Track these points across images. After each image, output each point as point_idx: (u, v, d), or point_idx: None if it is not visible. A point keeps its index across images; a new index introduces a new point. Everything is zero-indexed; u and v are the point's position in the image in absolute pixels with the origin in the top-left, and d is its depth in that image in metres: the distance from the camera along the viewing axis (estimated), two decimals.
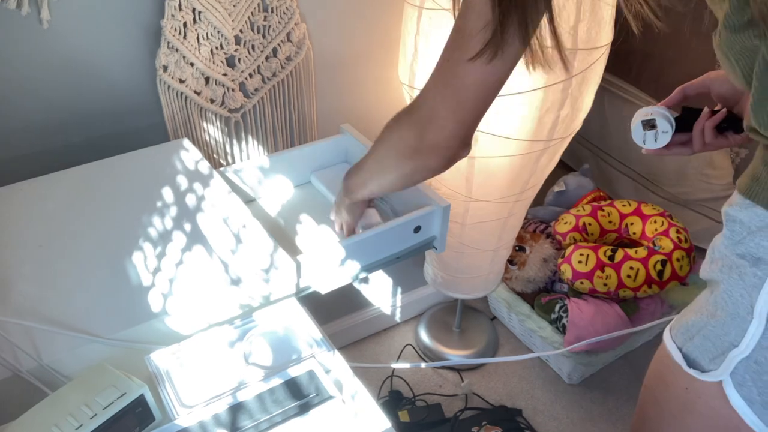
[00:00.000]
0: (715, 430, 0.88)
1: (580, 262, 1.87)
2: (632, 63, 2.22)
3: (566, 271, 1.90)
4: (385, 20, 1.51)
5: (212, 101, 1.34)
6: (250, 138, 1.45)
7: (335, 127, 1.42)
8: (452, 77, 0.82)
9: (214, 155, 1.42)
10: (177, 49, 1.24)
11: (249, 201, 1.28)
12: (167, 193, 1.13)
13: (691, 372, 0.86)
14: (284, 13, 1.33)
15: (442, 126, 0.85)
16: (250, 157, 1.47)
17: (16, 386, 0.83)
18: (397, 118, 0.94)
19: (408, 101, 1.52)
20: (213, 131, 1.38)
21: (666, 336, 0.93)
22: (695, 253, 1.91)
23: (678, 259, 1.85)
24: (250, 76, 1.36)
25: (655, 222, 1.96)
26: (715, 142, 0.98)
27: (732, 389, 0.82)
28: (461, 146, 0.88)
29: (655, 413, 0.99)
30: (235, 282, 0.97)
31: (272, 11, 1.31)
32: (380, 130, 0.97)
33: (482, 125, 1.40)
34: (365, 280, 2.01)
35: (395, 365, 2.03)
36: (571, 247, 1.92)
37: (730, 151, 2.10)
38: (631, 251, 1.87)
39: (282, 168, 1.30)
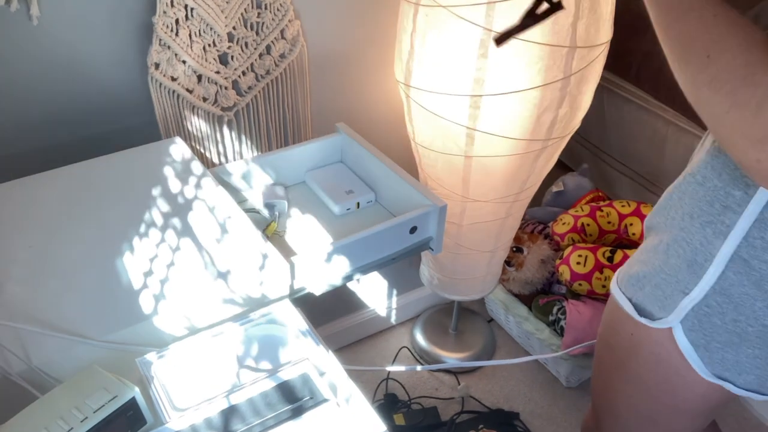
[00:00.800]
0: (660, 373, 0.93)
1: (578, 263, 1.88)
2: (632, 61, 2.22)
3: (564, 273, 1.90)
4: (381, 17, 1.51)
5: (205, 99, 1.34)
6: (243, 137, 1.45)
7: (330, 126, 1.42)
8: None
9: (207, 154, 1.42)
10: (169, 47, 1.24)
11: (242, 201, 1.28)
12: (159, 193, 1.13)
13: (642, 320, 0.90)
14: (278, 9, 1.33)
15: None
16: (243, 157, 1.48)
17: (5, 389, 0.83)
18: (723, 32, 0.62)
19: (404, 100, 1.52)
20: (205, 130, 1.38)
21: (614, 287, 0.97)
22: None
23: None
24: (244, 73, 1.37)
25: None
26: None
27: (681, 334, 0.86)
28: None
29: (607, 358, 1.05)
30: (228, 283, 0.97)
31: (266, 8, 1.32)
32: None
33: (479, 124, 1.41)
34: (352, 279, 2.01)
35: (391, 368, 2.04)
36: (570, 248, 1.93)
37: None
38: (630, 252, 1.88)
39: (276, 167, 1.31)
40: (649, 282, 0.89)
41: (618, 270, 1.00)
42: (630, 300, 0.93)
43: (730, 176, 0.77)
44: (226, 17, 1.28)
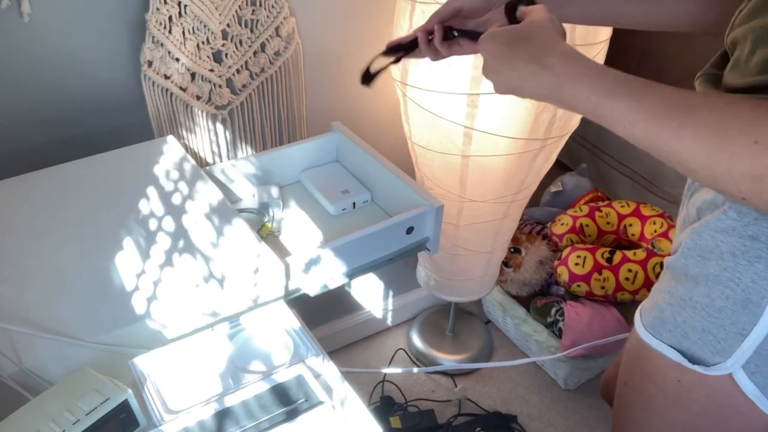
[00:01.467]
0: (713, 416, 0.89)
1: (577, 264, 1.89)
2: (631, 59, 2.23)
3: (563, 274, 1.91)
4: (377, 14, 1.51)
5: (198, 98, 1.35)
6: (237, 136, 1.45)
7: (326, 125, 1.42)
8: None
9: (200, 153, 1.42)
10: (162, 44, 1.24)
11: (236, 201, 1.29)
12: (152, 193, 1.14)
13: (696, 368, 0.86)
14: (273, 6, 1.34)
15: None
16: (238, 156, 1.48)
17: None
18: (754, 116, 0.62)
19: (401, 99, 1.53)
20: (199, 129, 1.38)
21: (646, 335, 0.92)
22: None
23: None
24: (238, 71, 1.37)
25: (654, 223, 1.97)
26: (451, 51, 0.99)
27: (744, 378, 0.82)
28: None
29: (640, 407, 1.00)
30: (222, 284, 0.97)
31: (260, 5, 1.32)
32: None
33: (477, 124, 1.41)
34: (348, 280, 2.01)
35: (387, 370, 2.04)
36: (568, 249, 1.93)
37: None
38: (629, 253, 1.88)
39: (271, 167, 1.31)
40: (693, 328, 0.85)
41: (642, 315, 0.94)
42: (673, 347, 0.88)
43: None
44: (220, 14, 1.28)
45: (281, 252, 1.17)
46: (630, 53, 2.23)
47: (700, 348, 0.85)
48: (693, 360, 0.86)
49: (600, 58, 1.38)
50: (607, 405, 1.19)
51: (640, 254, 1.87)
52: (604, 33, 1.35)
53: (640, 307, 0.97)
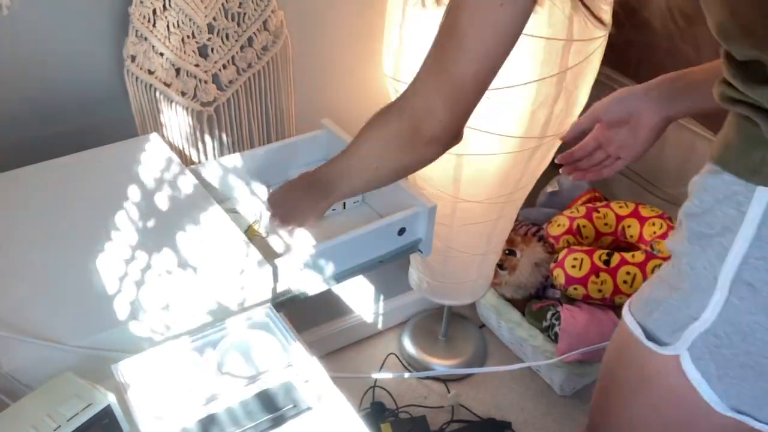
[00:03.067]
0: (671, 405, 0.93)
1: (573, 266, 1.90)
2: (631, 55, 2.24)
3: (559, 277, 1.92)
4: (368, 8, 1.52)
5: (183, 94, 1.35)
6: (223, 133, 1.46)
7: (315, 122, 1.43)
8: (447, 71, 0.88)
9: (186, 152, 1.42)
10: (146, 38, 1.24)
11: (222, 201, 1.29)
12: (135, 192, 1.14)
13: (650, 345, 0.91)
14: None
15: (437, 120, 0.91)
16: (224, 154, 1.48)
17: None
18: (384, 113, 0.99)
19: (393, 95, 1.53)
20: (184, 126, 1.39)
21: (625, 311, 0.97)
22: None
23: None
24: (224, 67, 1.37)
25: (653, 224, 1.98)
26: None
27: (689, 363, 0.86)
28: (456, 136, 0.95)
29: (614, 389, 1.04)
30: (208, 287, 0.98)
31: None
32: (363, 126, 1.00)
33: (471, 121, 1.41)
34: (338, 282, 2.02)
35: (377, 375, 2.05)
36: (565, 251, 1.94)
37: None
38: (627, 255, 1.89)
39: (258, 165, 1.31)
40: (658, 306, 0.89)
41: (634, 294, 0.99)
42: (639, 324, 0.93)
43: (724, 194, 0.79)
44: (205, 7, 1.28)
45: (269, 253, 1.17)
46: (629, 49, 2.24)
47: (660, 327, 0.90)
48: (650, 337, 0.91)
49: (598, 53, 1.39)
50: None
51: (639, 256, 1.88)
52: (602, 29, 1.35)
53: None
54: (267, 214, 1.23)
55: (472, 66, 0.87)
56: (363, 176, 1.05)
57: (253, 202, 1.26)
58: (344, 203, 1.28)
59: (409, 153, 0.98)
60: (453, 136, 0.95)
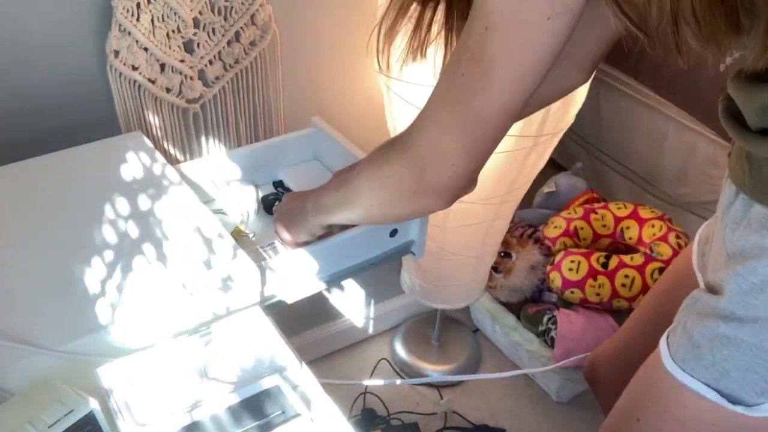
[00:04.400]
0: None
1: (570, 269, 1.90)
2: (630, 52, 2.25)
3: (555, 280, 1.93)
4: (359, 2, 1.52)
5: (168, 90, 1.35)
6: (210, 131, 1.46)
7: (305, 120, 1.43)
8: (466, 105, 0.77)
9: (170, 150, 1.43)
10: (129, 32, 1.25)
11: (208, 201, 1.29)
12: (118, 193, 1.14)
13: (737, 409, 0.85)
14: None
15: (448, 165, 0.80)
16: (210, 153, 1.49)
17: None
18: (387, 150, 0.88)
19: (385, 92, 1.54)
20: (169, 124, 1.39)
21: (674, 369, 0.90)
22: None
23: None
24: (211, 62, 1.38)
25: (653, 226, 1.99)
26: None
27: None
28: (470, 183, 0.85)
29: None
30: (194, 290, 0.98)
31: None
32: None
33: None
34: (327, 286, 2.02)
35: (368, 381, 2.05)
36: (561, 254, 1.95)
37: None
38: (626, 258, 1.90)
39: (246, 165, 1.32)
40: (735, 366, 0.84)
41: (671, 346, 0.92)
42: (709, 386, 0.86)
43: None
44: (191, 1, 1.29)
45: (256, 256, 1.17)
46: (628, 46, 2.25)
47: (742, 387, 0.84)
48: (732, 400, 0.85)
49: None
50: (602, 419, 1.19)
51: (638, 259, 1.89)
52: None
53: (666, 333, 0.94)
54: (254, 215, 1.23)
55: (501, 97, 0.75)
56: (358, 212, 0.99)
57: (240, 202, 1.26)
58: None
59: (410, 202, 0.88)
60: (466, 184, 0.84)
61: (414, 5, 0.91)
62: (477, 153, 0.80)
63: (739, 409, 0.85)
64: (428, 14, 0.91)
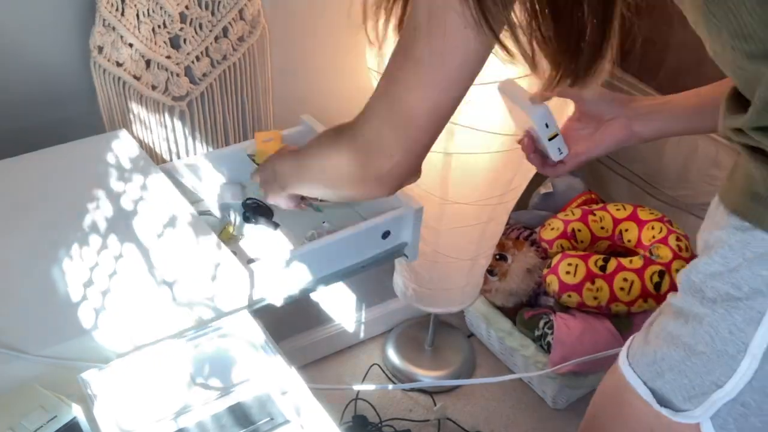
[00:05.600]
0: None
1: (567, 272, 1.91)
2: (632, 50, 2.25)
3: (552, 283, 1.93)
4: None
5: (154, 87, 1.35)
6: (197, 130, 1.46)
7: (294, 118, 1.44)
8: (400, 101, 0.82)
9: (156, 149, 1.43)
10: (114, 28, 1.25)
11: (195, 202, 1.30)
12: (102, 193, 1.14)
13: (663, 411, 0.87)
14: None
15: (389, 156, 0.85)
16: (197, 152, 1.49)
17: None
18: (338, 134, 0.93)
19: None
20: (155, 122, 1.39)
21: (624, 366, 0.93)
22: None
23: (678, 270, 1.88)
24: (198, 59, 1.38)
25: (652, 228, 2.00)
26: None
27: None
28: (412, 174, 0.89)
29: None
30: (180, 293, 0.99)
31: None
32: (324, 132, 1.00)
33: (461, 118, 1.43)
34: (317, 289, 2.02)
35: (360, 387, 2.05)
36: (558, 256, 1.96)
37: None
38: (625, 261, 1.91)
39: (233, 164, 1.32)
40: (670, 367, 0.86)
41: (630, 342, 0.94)
42: (646, 384, 0.89)
43: (754, 253, 0.76)
44: None
45: (244, 258, 1.18)
46: (631, 43, 2.25)
47: (672, 390, 0.86)
48: (662, 401, 0.87)
49: None
50: None
51: (637, 262, 1.90)
52: None
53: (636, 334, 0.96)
54: (241, 217, 1.24)
55: (430, 97, 0.79)
56: (310, 187, 1.05)
57: (228, 202, 1.26)
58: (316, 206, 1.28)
59: (356, 186, 0.93)
60: (408, 173, 0.88)
61: None
62: (413, 147, 0.84)
63: (664, 411, 0.87)
64: None
